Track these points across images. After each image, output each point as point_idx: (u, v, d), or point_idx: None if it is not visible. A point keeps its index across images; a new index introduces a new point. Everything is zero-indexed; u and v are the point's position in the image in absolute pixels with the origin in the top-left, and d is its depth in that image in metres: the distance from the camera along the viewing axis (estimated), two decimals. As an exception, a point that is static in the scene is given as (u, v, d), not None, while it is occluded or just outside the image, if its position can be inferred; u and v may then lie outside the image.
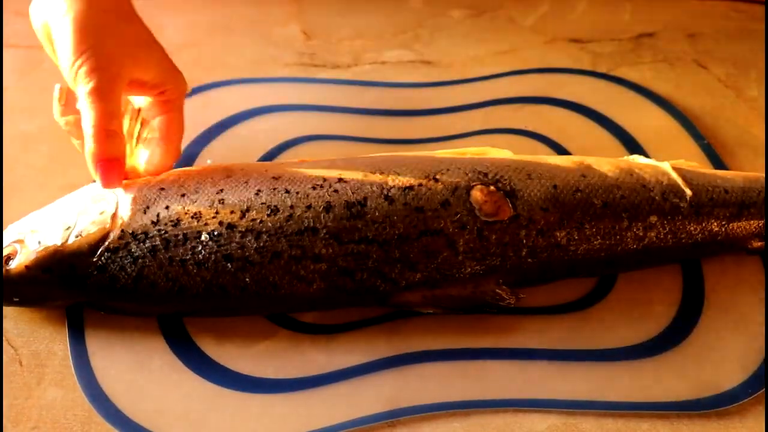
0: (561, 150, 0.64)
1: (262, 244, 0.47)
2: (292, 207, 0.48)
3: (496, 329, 0.51)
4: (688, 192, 0.53)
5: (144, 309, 0.50)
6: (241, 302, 0.48)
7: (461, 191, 0.50)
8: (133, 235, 0.47)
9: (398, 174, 0.50)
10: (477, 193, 0.50)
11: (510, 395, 0.47)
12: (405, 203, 0.49)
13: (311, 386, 0.48)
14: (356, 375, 0.48)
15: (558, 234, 0.50)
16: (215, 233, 0.47)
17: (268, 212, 0.48)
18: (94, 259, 0.47)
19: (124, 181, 0.51)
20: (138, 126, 0.53)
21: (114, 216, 0.48)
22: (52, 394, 0.47)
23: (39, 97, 0.61)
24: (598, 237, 0.51)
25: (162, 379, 0.48)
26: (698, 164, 0.57)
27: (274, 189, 0.49)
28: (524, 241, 0.49)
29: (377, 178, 0.50)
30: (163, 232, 0.47)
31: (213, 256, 0.47)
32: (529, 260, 0.50)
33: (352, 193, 0.49)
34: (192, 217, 0.48)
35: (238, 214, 0.48)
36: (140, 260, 0.47)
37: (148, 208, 0.48)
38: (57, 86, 0.51)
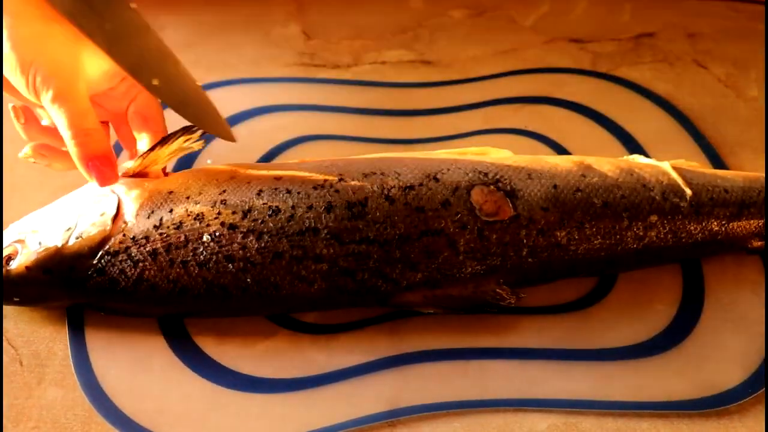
0: (561, 150, 0.64)
1: (263, 245, 0.47)
2: (293, 207, 0.48)
3: (496, 329, 0.51)
4: (689, 192, 0.53)
5: (144, 310, 0.50)
6: (243, 303, 0.48)
7: (462, 191, 0.50)
8: (134, 239, 0.47)
9: (399, 174, 0.50)
10: (477, 193, 0.50)
11: (510, 395, 0.47)
12: (406, 203, 0.49)
13: (311, 386, 0.48)
14: (356, 375, 0.48)
15: (558, 234, 0.50)
16: (217, 234, 0.47)
17: (270, 213, 0.48)
18: (94, 262, 0.47)
19: (132, 179, 0.51)
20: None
21: (115, 218, 0.48)
22: (53, 393, 0.47)
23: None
24: (599, 237, 0.51)
25: (162, 378, 0.48)
26: (698, 164, 0.57)
27: (276, 189, 0.49)
28: (525, 240, 0.49)
29: (378, 178, 0.50)
30: (165, 235, 0.47)
31: (214, 257, 0.47)
32: (530, 260, 0.50)
33: (353, 193, 0.49)
34: (194, 219, 0.48)
35: (240, 214, 0.48)
36: (140, 263, 0.47)
37: (152, 212, 0.48)
38: (10, 106, 0.50)
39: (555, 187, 0.51)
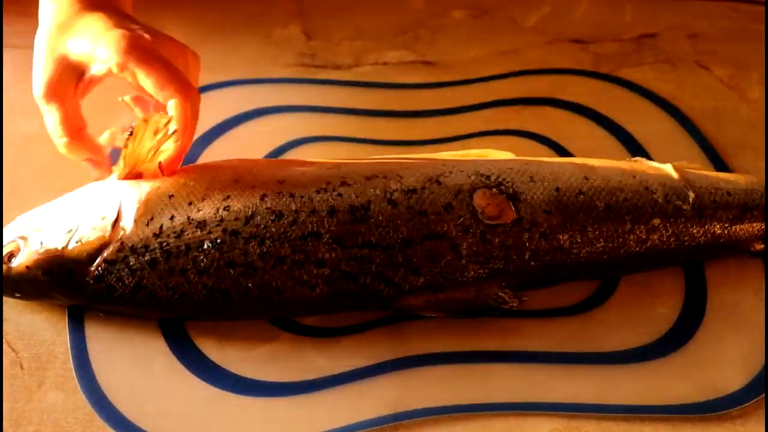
0: (563, 151, 0.64)
1: (265, 250, 0.47)
2: (296, 212, 0.48)
3: (499, 332, 0.50)
4: (691, 194, 0.53)
5: (144, 314, 0.50)
6: (244, 307, 0.48)
7: (464, 194, 0.49)
8: (132, 248, 0.47)
9: (401, 177, 0.50)
10: (480, 197, 0.50)
11: (513, 398, 0.47)
12: (408, 207, 0.48)
13: (313, 390, 0.47)
14: (358, 378, 0.48)
15: (561, 237, 0.50)
16: (218, 241, 0.47)
17: (273, 218, 0.47)
18: (92, 269, 0.47)
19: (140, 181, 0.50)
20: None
21: (115, 223, 0.48)
22: (53, 397, 0.47)
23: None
24: (601, 240, 0.50)
25: (163, 382, 0.47)
26: (700, 166, 0.57)
27: (279, 193, 0.49)
28: (527, 244, 0.49)
29: (380, 181, 0.49)
30: (164, 243, 0.47)
31: (215, 263, 0.47)
32: (532, 263, 0.49)
33: (356, 197, 0.49)
34: (196, 227, 0.47)
35: (243, 220, 0.47)
36: (138, 272, 0.47)
37: (152, 219, 0.48)
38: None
39: (557, 189, 0.51)
